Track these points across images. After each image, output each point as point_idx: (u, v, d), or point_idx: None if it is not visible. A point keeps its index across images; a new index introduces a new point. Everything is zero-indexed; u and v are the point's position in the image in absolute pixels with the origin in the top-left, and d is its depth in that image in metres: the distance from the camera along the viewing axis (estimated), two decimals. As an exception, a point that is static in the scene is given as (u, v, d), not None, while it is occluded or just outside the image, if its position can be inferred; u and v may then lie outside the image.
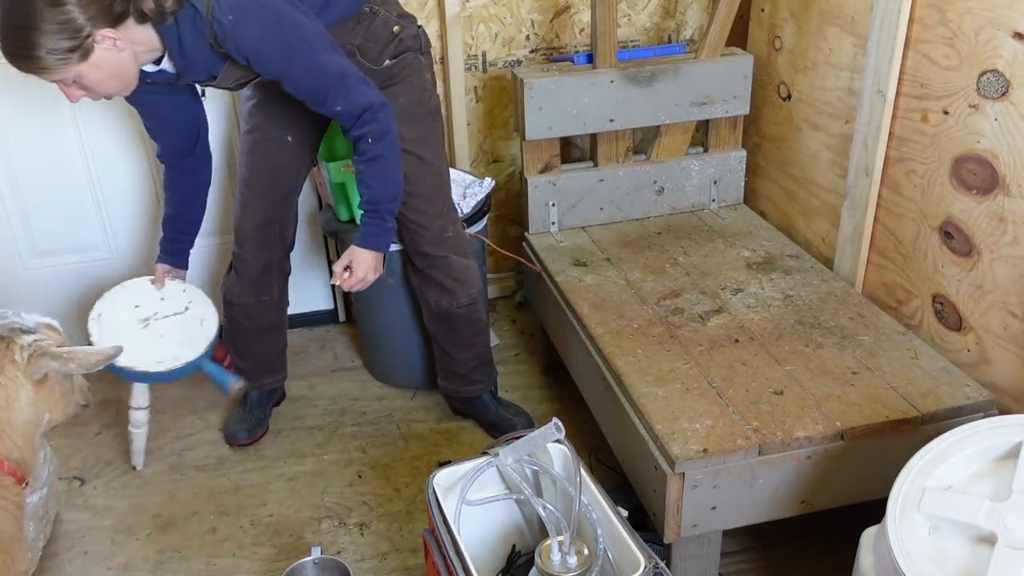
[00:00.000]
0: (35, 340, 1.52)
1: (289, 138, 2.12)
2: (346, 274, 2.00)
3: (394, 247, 2.35)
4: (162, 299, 2.20)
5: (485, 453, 1.60)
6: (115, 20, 1.64)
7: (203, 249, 2.77)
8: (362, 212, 1.99)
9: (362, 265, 2.00)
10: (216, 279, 2.79)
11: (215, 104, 2.57)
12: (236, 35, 1.74)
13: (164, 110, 2.05)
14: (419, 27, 2.10)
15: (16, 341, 1.50)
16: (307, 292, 2.87)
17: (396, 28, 2.02)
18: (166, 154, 2.13)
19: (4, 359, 1.47)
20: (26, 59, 1.62)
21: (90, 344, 2.01)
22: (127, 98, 1.89)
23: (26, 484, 1.50)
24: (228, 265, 2.31)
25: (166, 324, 2.16)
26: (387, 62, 2.03)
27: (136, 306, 2.16)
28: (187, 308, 2.20)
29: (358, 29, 1.97)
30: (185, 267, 2.25)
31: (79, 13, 1.59)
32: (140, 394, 2.21)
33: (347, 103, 1.84)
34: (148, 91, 1.90)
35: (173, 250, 2.23)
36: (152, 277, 2.20)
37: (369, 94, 1.85)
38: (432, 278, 2.22)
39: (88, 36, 1.62)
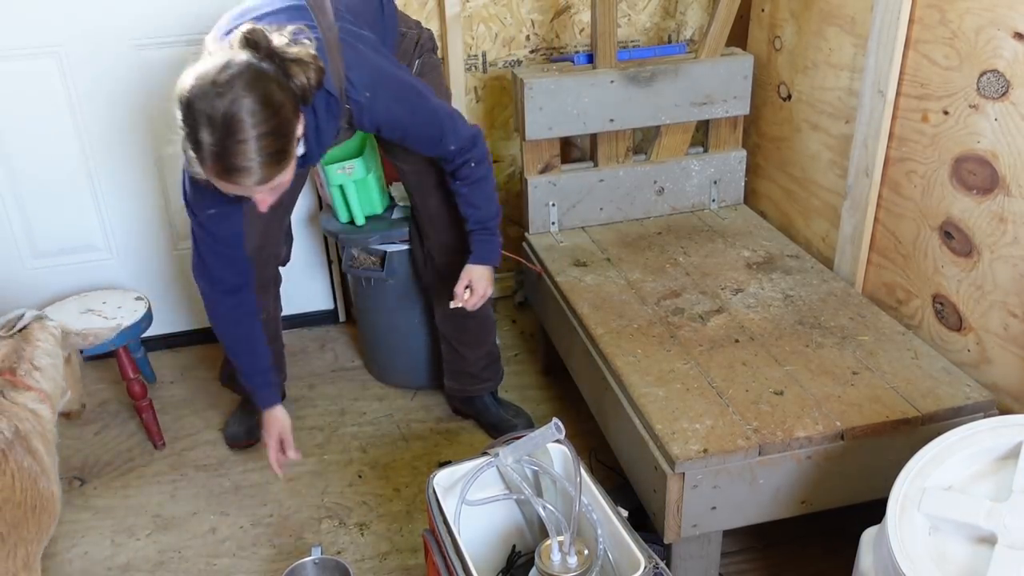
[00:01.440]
0: (58, 323, 1.74)
1: None
2: (467, 294, 2.02)
3: (394, 247, 2.36)
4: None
5: (485, 453, 1.60)
6: (298, 109, 1.58)
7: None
8: (471, 231, 2.03)
9: (481, 282, 2.03)
10: None
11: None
12: (373, 110, 1.76)
13: (261, 216, 1.87)
14: (428, 30, 2.16)
15: (44, 322, 1.72)
16: (307, 292, 2.87)
17: (416, 36, 2.09)
18: (233, 280, 1.92)
19: (46, 332, 1.71)
20: (241, 172, 1.50)
21: None
22: (234, 200, 1.77)
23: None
24: None
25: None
26: (414, 67, 2.08)
27: None
28: None
29: (396, 52, 2.01)
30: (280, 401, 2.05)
31: (288, 110, 1.53)
32: None
33: (458, 140, 1.90)
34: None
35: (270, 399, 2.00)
36: None
37: (468, 124, 1.93)
38: (453, 274, 2.20)
39: (295, 131, 1.56)
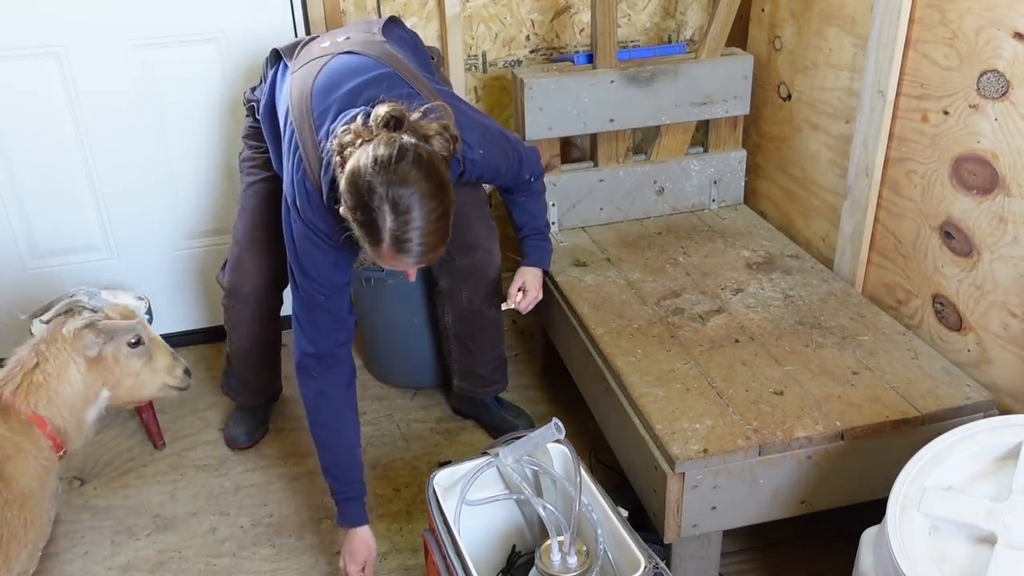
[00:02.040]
0: (90, 318, 1.56)
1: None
2: (519, 296, 2.08)
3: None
4: None
5: (485, 453, 1.60)
6: None
7: (199, 251, 2.77)
8: (525, 236, 2.13)
9: (535, 283, 2.11)
10: (214, 283, 2.80)
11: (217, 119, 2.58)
12: (483, 166, 1.82)
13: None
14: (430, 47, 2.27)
15: (70, 318, 1.57)
16: (307, 292, 2.87)
17: (435, 59, 2.18)
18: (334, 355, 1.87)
19: (56, 333, 1.55)
20: (417, 253, 1.54)
21: None
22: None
23: (64, 453, 1.54)
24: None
25: None
26: None
27: None
28: None
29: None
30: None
31: (451, 188, 1.58)
32: None
33: (531, 168, 2.03)
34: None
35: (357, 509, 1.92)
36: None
37: (529, 148, 2.04)
38: (473, 274, 2.21)
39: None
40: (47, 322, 1.60)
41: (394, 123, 1.55)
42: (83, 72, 2.45)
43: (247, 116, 2.14)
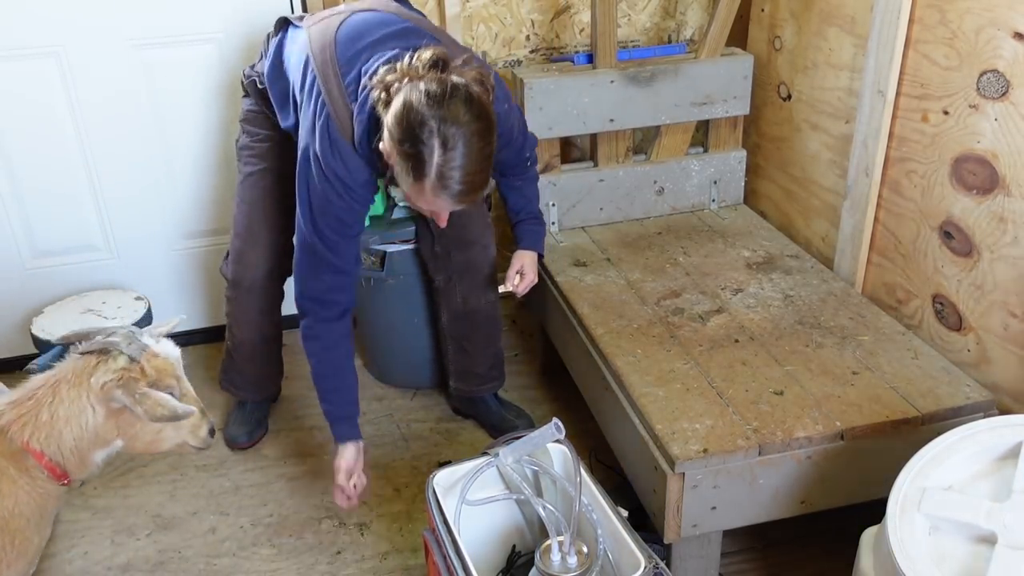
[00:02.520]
0: (124, 369, 1.44)
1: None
2: (516, 279, 2.10)
3: (394, 247, 2.36)
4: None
5: (485, 453, 1.60)
6: None
7: (198, 250, 2.77)
8: (521, 221, 2.14)
9: (532, 267, 2.13)
10: (214, 283, 2.80)
11: (216, 104, 2.58)
12: (505, 122, 1.82)
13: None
14: None
15: (104, 363, 1.45)
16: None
17: None
18: (345, 304, 1.91)
19: (82, 377, 1.44)
20: (460, 191, 1.58)
21: None
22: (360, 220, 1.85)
23: (68, 482, 1.48)
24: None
25: None
26: None
27: None
28: None
29: None
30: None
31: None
32: None
33: (531, 147, 2.05)
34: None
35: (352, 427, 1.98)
36: None
37: (527, 128, 2.04)
38: (468, 270, 2.21)
39: None
40: (81, 351, 1.48)
41: (441, 65, 1.57)
42: (83, 72, 2.45)
43: (245, 97, 2.13)
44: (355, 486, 1.93)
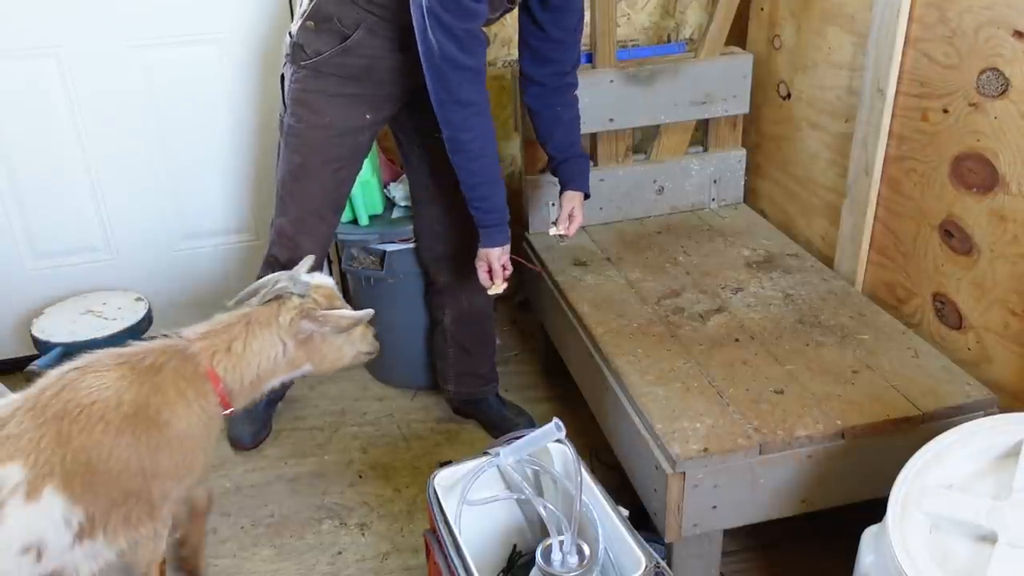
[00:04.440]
0: (301, 303, 1.66)
1: (368, 116, 2.01)
2: (567, 221, 2.09)
3: (394, 247, 2.36)
4: None
5: (486, 453, 1.60)
6: None
7: (198, 251, 2.77)
8: (567, 159, 2.10)
9: (581, 208, 2.12)
10: (232, 279, 2.80)
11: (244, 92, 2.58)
12: None
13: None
14: None
15: (285, 304, 1.66)
16: (307, 292, 2.87)
17: None
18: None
19: (272, 317, 1.65)
20: None
21: None
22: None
23: (230, 411, 1.65)
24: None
25: None
26: None
27: None
28: None
29: None
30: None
31: None
32: None
33: (579, 61, 2.04)
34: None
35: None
36: None
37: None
38: (468, 266, 2.20)
39: None
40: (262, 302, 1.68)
41: None
42: (83, 73, 2.45)
43: (301, 72, 1.94)
44: (504, 266, 2.01)
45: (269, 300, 1.67)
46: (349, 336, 1.75)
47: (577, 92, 2.11)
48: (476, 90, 1.83)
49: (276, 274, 1.72)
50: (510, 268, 2.04)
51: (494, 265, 2.00)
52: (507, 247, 2.01)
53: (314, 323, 1.66)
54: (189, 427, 1.57)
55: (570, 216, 2.10)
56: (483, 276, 2.01)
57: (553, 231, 2.12)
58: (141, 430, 1.51)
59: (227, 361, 1.62)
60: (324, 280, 1.75)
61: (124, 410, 1.50)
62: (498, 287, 2.04)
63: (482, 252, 1.99)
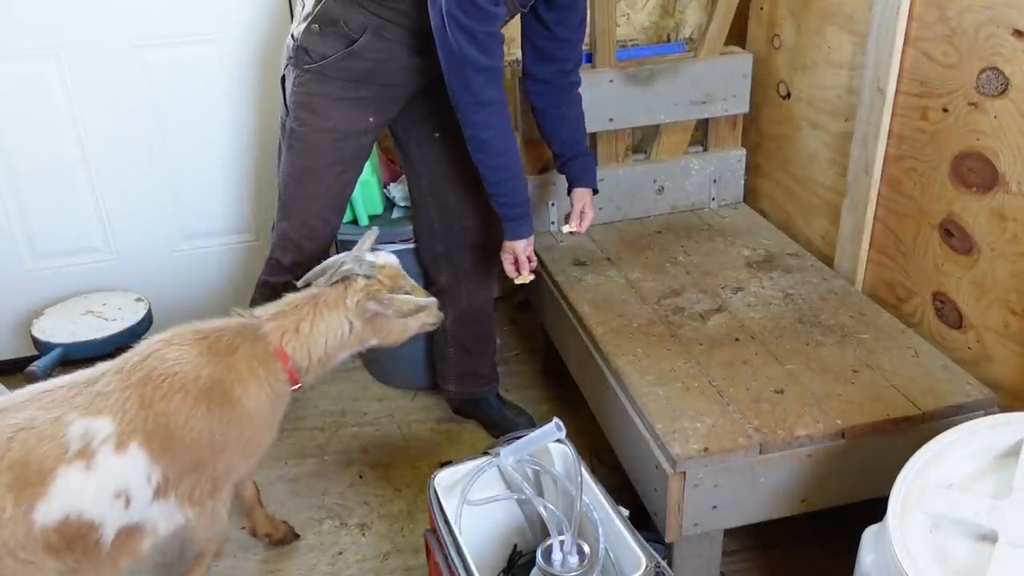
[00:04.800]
0: (366, 285, 1.73)
1: (371, 119, 2.01)
2: (579, 218, 2.13)
3: (394, 247, 2.35)
4: None
5: (486, 453, 1.60)
6: None
7: (198, 252, 2.77)
8: (574, 157, 2.14)
9: (592, 204, 2.16)
10: (232, 280, 2.80)
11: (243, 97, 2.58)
12: None
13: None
14: None
15: (351, 286, 1.73)
16: (307, 293, 2.87)
17: None
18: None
19: (339, 299, 1.72)
20: None
21: None
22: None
23: (298, 388, 1.74)
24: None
25: None
26: None
27: None
28: None
29: None
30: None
31: None
32: None
33: (581, 59, 2.09)
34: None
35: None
36: None
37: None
38: (478, 270, 2.20)
39: None
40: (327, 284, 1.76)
41: None
42: (83, 73, 2.45)
43: (305, 76, 1.92)
44: (528, 258, 2.06)
45: (336, 281, 1.74)
46: (384, 326, 1.80)
47: (579, 94, 2.14)
48: (495, 89, 1.87)
49: (342, 255, 1.77)
50: (535, 260, 2.08)
51: (520, 257, 2.04)
52: (531, 239, 2.05)
53: (379, 305, 1.72)
54: (259, 405, 1.67)
55: (581, 213, 2.14)
56: (509, 268, 2.05)
57: (566, 229, 2.16)
58: (215, 404, 1.60)
59: (296, 341, 1.70)
60: (388, 259, 1.81)
61: (201, 384, 1.59)
62: (525, 277, 2.07)
63: (508, 245, 2.02)
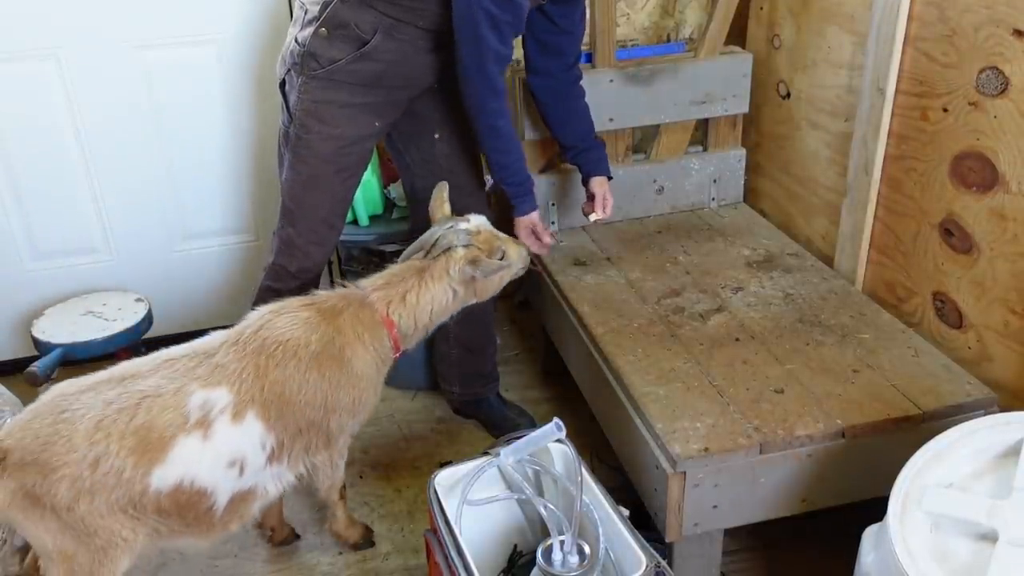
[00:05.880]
0: (466, 253, 1.81)
1: (376, 124, 2.02)
2: (603, 204, 2.22)
3: (394, 247, 2.35)
4: None
5: (486, 453, 1.60)
6: None
7: (198, 252, 2.77)
8: (589, 148, 2.22)
9: (610, 192, 2.25)
10: (232, 280, 2.80)
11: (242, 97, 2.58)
12: None
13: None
14: None
15: (452, 256, 1.80)
16: (307, 293, 2.87)
17: None
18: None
19: (444, 271, 1.81)
20: None
21: None
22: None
23: (400, 352, 1.82)
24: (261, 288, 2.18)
25: None
26: None
27: None
28: None
29: None
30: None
31: None
32: None
33: (580, 53, 2.18)
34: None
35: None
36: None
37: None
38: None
39: None
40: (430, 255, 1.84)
41: None
42: (82, 74, 2.45)
43: (311, 83, 1.90)
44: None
45: (441, 254, 1.82)
46: (514, 255, 1.91)
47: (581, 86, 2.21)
48: (503, 78, 1.93)
49: (440, 229, 1.84)
50: (546, 237, 2.15)
51: (538, 227, 2.12)
52: (536, 215, 2.13)
53: (477, 270, 1.80)
54: (366, 367, 1.75)
55: (604, 200, 2.21)
56: (531, 241, 2.12)
57: (593, 217, 2.24)
58: (326, 367, 1.69)
59: (402, 309, 1.78)
60: (481, 223, 1.88)
61: (312, 348, 1.68)
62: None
63: (523, 221, 2.11)
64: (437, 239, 1.83)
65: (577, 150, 2.22)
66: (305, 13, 1.90)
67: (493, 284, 1.91)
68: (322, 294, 1.79)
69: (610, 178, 2.26)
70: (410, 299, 1.79)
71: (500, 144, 2.01)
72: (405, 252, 1.89)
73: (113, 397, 1.55)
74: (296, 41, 1.91)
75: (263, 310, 1.74)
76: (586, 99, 2.27)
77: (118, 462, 1.51)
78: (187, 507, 1.59)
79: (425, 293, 1.80)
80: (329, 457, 1.82)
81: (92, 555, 1.55)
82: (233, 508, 1.65)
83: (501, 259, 1.85)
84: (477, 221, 1.88)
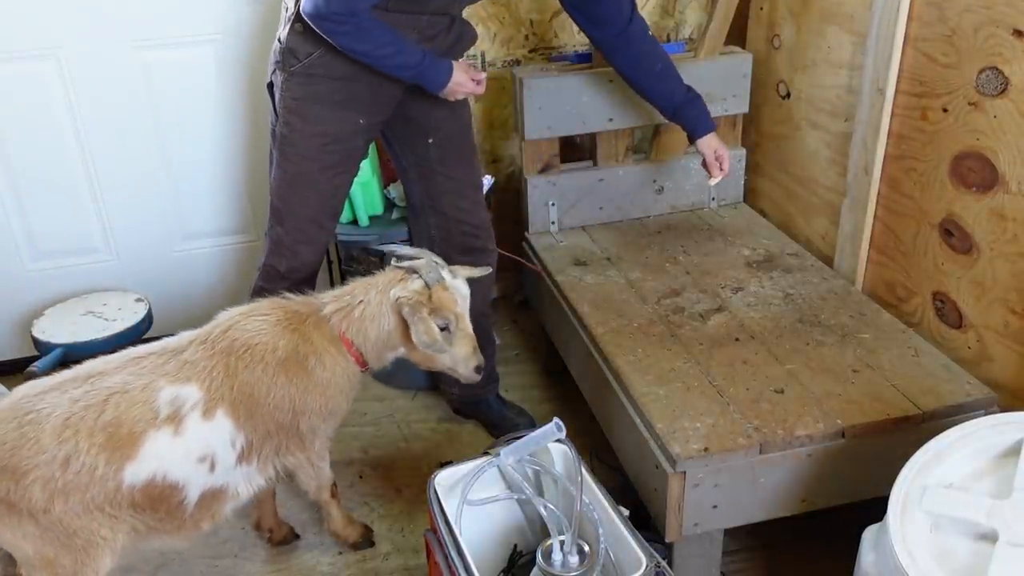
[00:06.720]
0: (417, 292, 1.72)
1: (361, 121, 1.98)
2: (717, 164, 2.18)
3: (394, 247, 2.35)
4: None
5: (486, 453, 1.60)
6: None
7: (198, 252, 2.77)
8: (685, 104, 2.18)
9: (723, 147, 2.21)
10: (232, 280, 2.80)
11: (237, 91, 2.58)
12: None
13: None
14: None
15: (404, 281, 1.74)
16: (307, 293, 2.87)
17: None
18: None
19: (387, 288, 1.74)
20: None
21: None
22: None
23: (367, 369, 1.80)
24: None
25: None
26: None
27: None
28: None
29: None
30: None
31: None
32: None
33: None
34: None
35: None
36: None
37: None
38: (480, 278, 2.20)
39: None
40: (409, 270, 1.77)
41: None
42: (82, 74, 2.45)
43: (291, 82, 1.91)
44: (477, 81, 1.97)
45: (402, 270, 1.76)
46: (450, 349, 1.76)
47: (651, 33, 2.18)
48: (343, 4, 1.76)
49: (429, 256, 1.78)
50: (480, 76, 1.98)
51: (466, 86, 1.94)
52: (455, 73, 1.92)
53: (410, 317, 1.70)
54: (333, 375, 1.74)
55: (717, 158, 2.17)
56: (470, 85, 1.94)
57: (712, 181, 2.21)
58: (292, 373, 1.69)
59: (351, 325, 1.76)
60: (458, 286, 1.77)
61: (279, 355, 1.68)
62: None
63: (450, 87, 1.92)
64: (414, 260, 1.76)
65: (671, 110, 2.20)
66: (286, 11, 1.91)
67: (418, 353, 1.77)
68: (291, 299, 1.79)
69: (714, 129, 2.21)
70: (356, 313, 1.75)
71: (386, 52, 1.82)
72: (391, 247, 1.88)
73: (79, 395, 1.54)
74: (279, 40, 1.92)
75: (232, 311, 1.74)
76: (584, 99, 2.25)
77: (89, 459, 1.50)
78: (159, 501, 1.59)
79: (367, 308, 1.75)
80: (307, 459, 1.82)
81: (74, 556, 1.56)
82: (204, 505, 1.66)
83: (443, 329, 1.72)
84: (456, 284, 1.77)
